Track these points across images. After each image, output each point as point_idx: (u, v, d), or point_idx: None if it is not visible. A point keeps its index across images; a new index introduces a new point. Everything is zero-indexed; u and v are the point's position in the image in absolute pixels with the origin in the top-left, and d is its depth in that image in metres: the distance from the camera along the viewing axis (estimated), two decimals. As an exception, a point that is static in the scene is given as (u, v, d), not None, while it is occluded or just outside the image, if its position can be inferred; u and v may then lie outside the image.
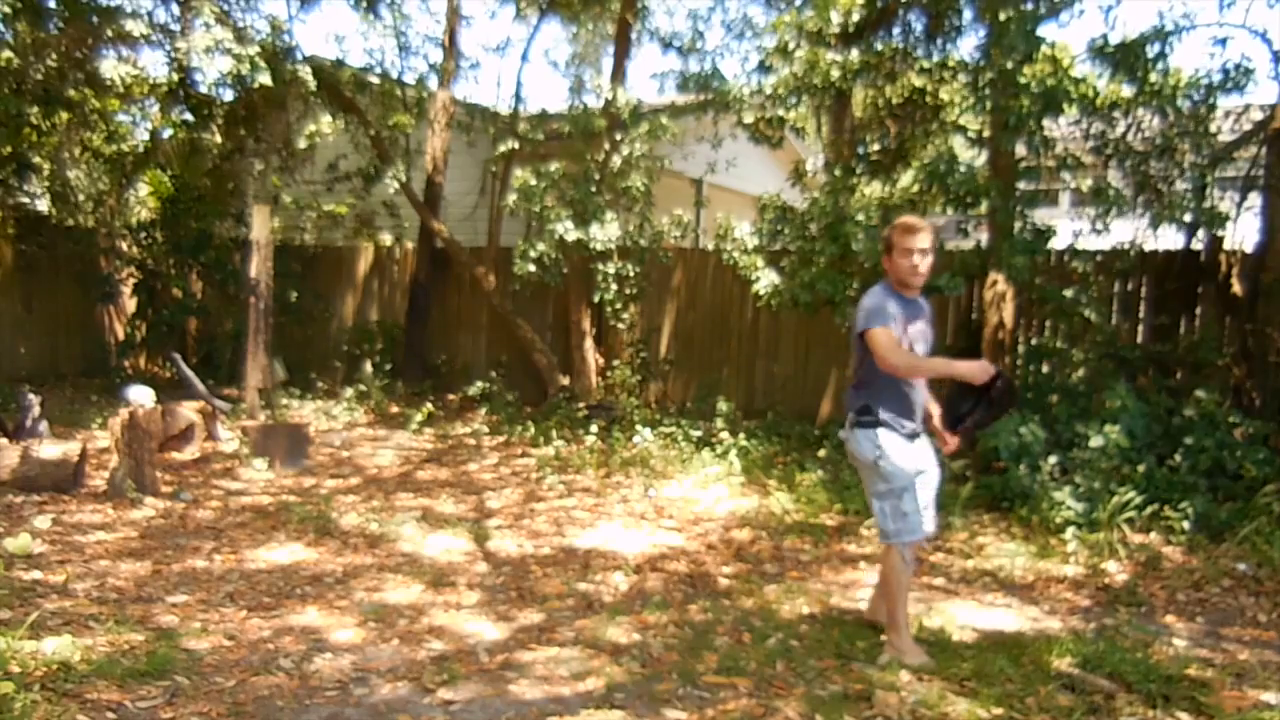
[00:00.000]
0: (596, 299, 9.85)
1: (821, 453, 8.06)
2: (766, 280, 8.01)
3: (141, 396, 7.13)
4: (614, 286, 9.67)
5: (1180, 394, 6.80)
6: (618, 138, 9.50)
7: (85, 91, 10.23)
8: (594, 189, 9.46)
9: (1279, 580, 5.10)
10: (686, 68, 10.32)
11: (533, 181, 9.40)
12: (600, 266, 9.63)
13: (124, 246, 11.69)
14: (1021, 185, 7.77)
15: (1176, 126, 7.43)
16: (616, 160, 9.49)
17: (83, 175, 12.00)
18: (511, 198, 9.67)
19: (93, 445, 7.23)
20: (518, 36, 19.75)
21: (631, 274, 9.70)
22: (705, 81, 9.63)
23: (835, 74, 7.91)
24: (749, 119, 9.22)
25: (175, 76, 10.32)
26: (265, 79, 9.11)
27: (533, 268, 9.47)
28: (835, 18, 7.84)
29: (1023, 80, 6.96)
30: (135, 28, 9.39)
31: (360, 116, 11.04)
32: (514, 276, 9.69)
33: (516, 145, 10.13)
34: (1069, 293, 7.43)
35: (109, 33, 9.46)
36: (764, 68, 8.57)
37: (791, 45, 8.12)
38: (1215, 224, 7.15)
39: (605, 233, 9.34)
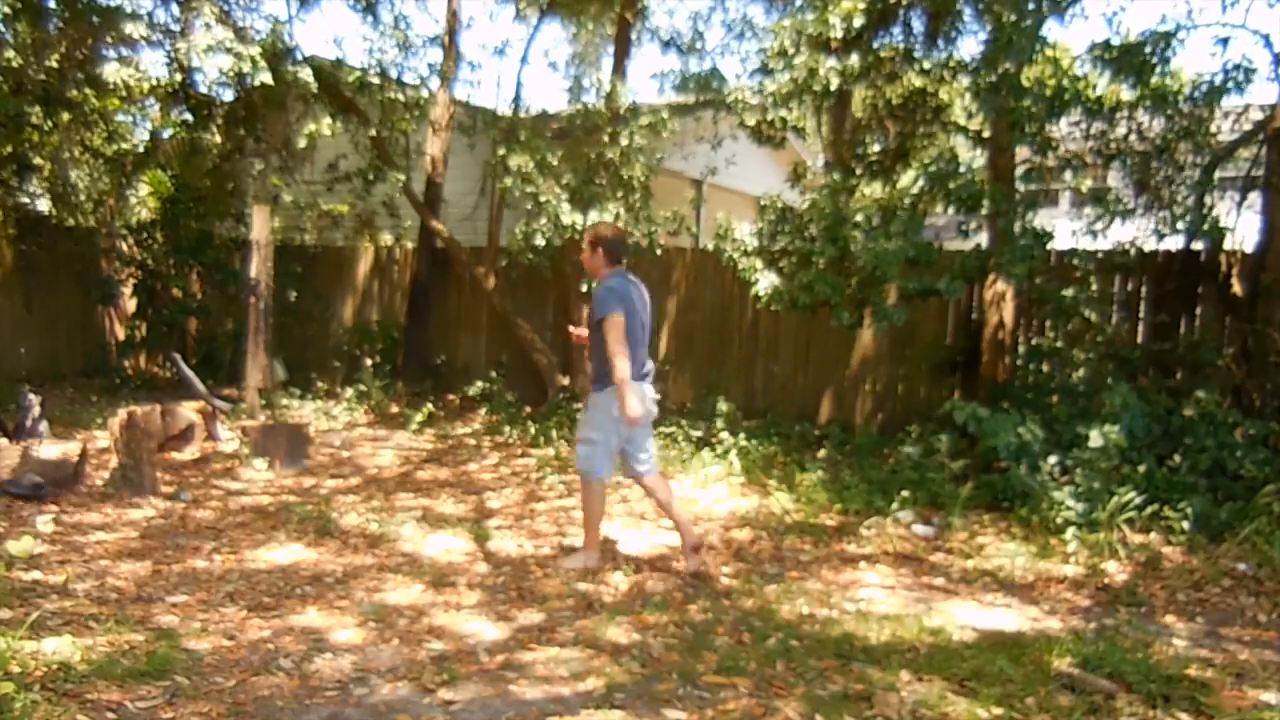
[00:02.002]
0: (587, 289, 9.84)
1: (821, 453, 8.07)
2: (766, 282, 8.01)
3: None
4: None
5: (1180, 394, 6.80)
6: (617, 130, 9.50)
7: (86, 92, 10.24)
8: (592, 178, 9.45)
9: (1279, 580, 5.10)
10: (686, 68, 10.32)
11: (530, 166, 9.38)
12: None
13: (124, 246, 11.70)
14: (1021, 188, 7.77)
15: (1177, 127, 7.43)
16: (615, 152, 9.48)
17: (83, 175, 12.00)
18: (508, 180, 9.64)
19: (93, 445, 7.23)
20: (518, 37, 19.76)
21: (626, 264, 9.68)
22: (705, 81, 9.62)
23: (835, 80, 7.91)
24: (750, 120, 9.22)
25: (177, 78, 10.32)
26: (266, 78, 9.11)
27: (522, 244, 9.46)
28: (836, 22, 7.83)
29: (1025, 83, 6.96)
30: (135, 30, 9.39)
31: (360, 117, 11.04)
32: (504, 252, 9.63)
33: (518, 140, 10.14)
34: (1069, 292, 7.44)
35: (110, 36, 9.46)
36: (765, 70, 8.57)
37: (791, 50, 8.11)
38: (1214, 233, 7.14)
39: (603, 218, 9.34)
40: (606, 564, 5.18)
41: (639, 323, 4.99)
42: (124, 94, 10.55)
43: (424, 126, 11.40)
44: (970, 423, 6.40)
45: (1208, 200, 7.36)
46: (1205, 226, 7.10)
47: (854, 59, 7.90)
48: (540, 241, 9.48)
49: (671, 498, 5.24)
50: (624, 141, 9.46)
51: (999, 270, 7.32)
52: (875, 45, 8.18)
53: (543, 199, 9.28)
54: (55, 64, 9.78)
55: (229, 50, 8.93)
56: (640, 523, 6.30)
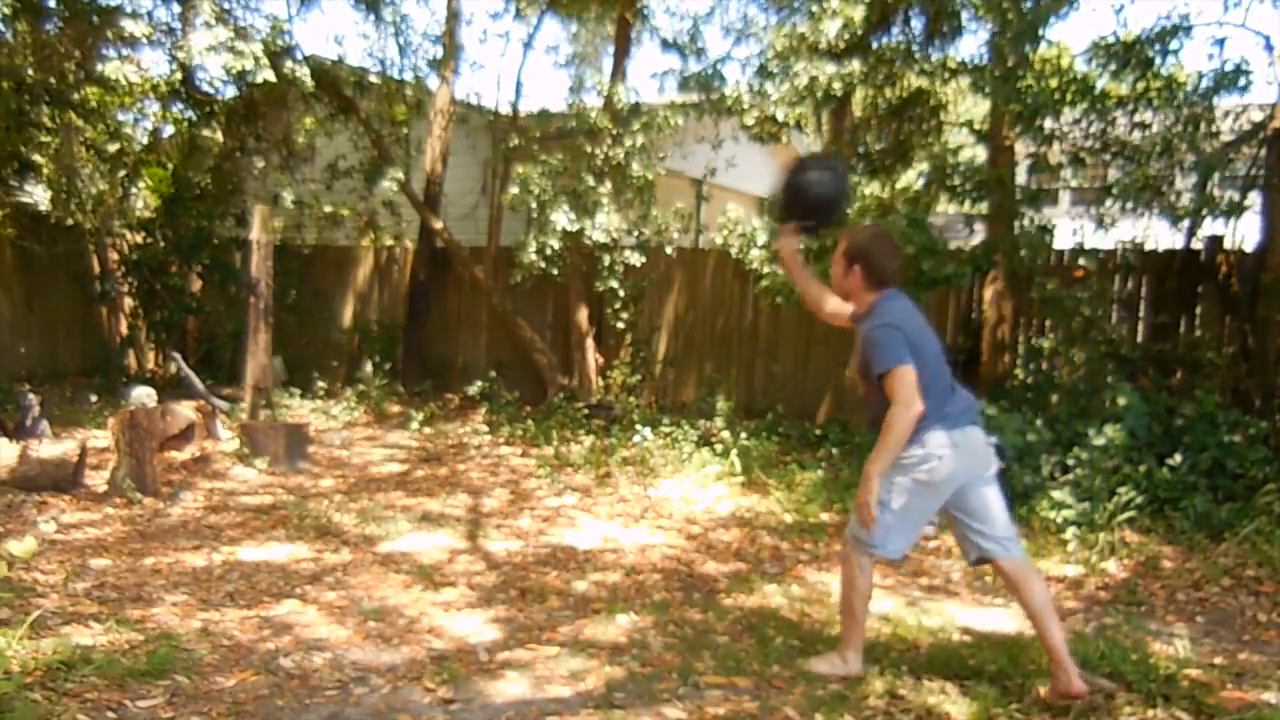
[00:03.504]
0: (599, 289, 9.84)
1: (821, 452, 8.06)
2: (772, 273, 8.00)
3: (143, 397, 7.14)
4: (615, 279, 9.66)
5: (1180, 394, 6.80)
6: (617, 132, 9.51)
7: (87, 91, 10.23)
8: (594, 182, 9.46)
9: (1279, 580, 5.10)
10: (686, 68, 10.31)
11: (533, 173, 9.39)
12: (603, 257, 9.62)
13: (124, 245, 11.70)
14: (1022, 182, 7.77)
15: (1177, 126, 7.43)
16: (619, 153, 9.49)
17: (83, 173, 12.00)
18: (512, 190, 9.66)
19: (92, 445, 7.22)
20: (518, 36, 19.74)
21: (636, 263, 9.69)
22: (705, 81, 9.60)
23: (837, 85, 7.91)
24: (750, 120, 9.22)
25: (177, 76, 10.32)
26: (268, 75, 9.11)
27: (534, 257, 9.47)
28: (834, 28, 7.83)
29: (1028, 78, 6.97)
30: (136, 29, 9.39)
31: (360, 116, 11.03)
32: (518, 267, 9.66)
33: (517, 142, 10.13)
34: (1079, 293, 7.42)
35: (109, 34, 9.45)
36: (765, 73, 8.56)
37: (791, 55, 8.11)
38: (1232, 213, 7.07)
39: (608, 221, 9.34)
40: (868, 669, 3.73)
41: (933, 351, 3.62)
42: (125, 92, 10.54)
43: (424, 125, 11.40)
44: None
45: (1210, 188, 7.30)
46: (1212, 208, 7.03)
47: (855, 64, 7.90)
48: (549, 252, 9.49)
49: (1048, 602, 3.58)
50: (626, 142, 9.47)
51: (1003, 260, 7.31)
52: (875, 46, 8.19)
53: (548, 211, 9.30)
54: (56, 63, 9.77)
55: (230, 49, 8.93)
56: (638, 522, 6.30)
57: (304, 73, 9.71)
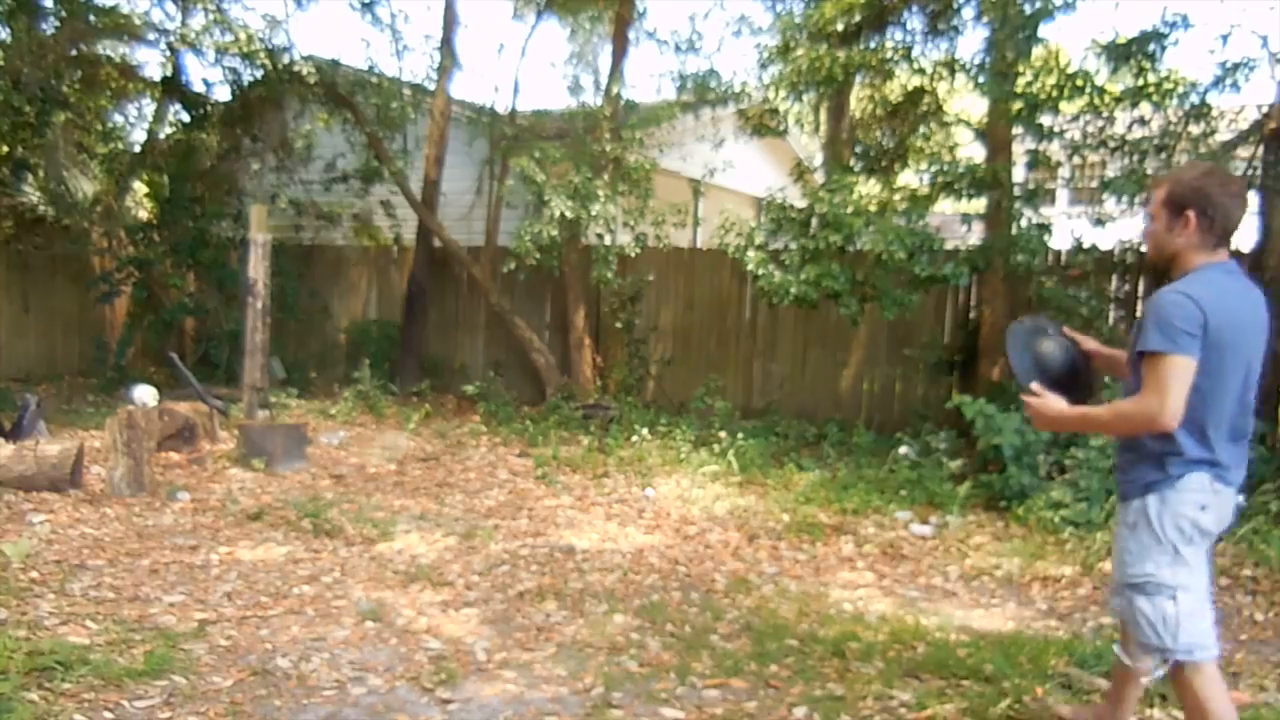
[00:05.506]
0: (595, 283, 9.82)
1: (819, 452, 8.07)
2: (768, 275, 8.01)
3: (145, 396, 7.12)
4: (610, 268, 9.64)
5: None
6: (614, 125, 9.50)
7: (80, 90, 10.22)
8: (591, 175, 9.45)
9: (1276, 580, 5.10)
10: (684, 68, 10.32)
11: (530, 164, 9.37)
12: (600, 246, 9.59)
13: (121, 246, 11.67)
14: (1021, 178, 7.78)
15: (1175, 127, 7.43)
16: (616, 147, 9.47)
17: (80, 175, 11.98)
18: (509, 182, 9.62)
19: (90, 444, 7.21)
20: (516, 35, 19.75)
21: (632, 255, 9.66)
22: (703, 81, 9.59)
23: (838, 69, 7.91)
24: (751, 111, 9.21)
25: (170, 74, 10.30)
26: (265, 65, 9.12)
27: (529, 245, 9.44)
28: (834, 15, 7.84)
29: (1025, 75, 6.99)
30: (133, 29, 9.40)
31: (357, 116, 11.02)
32: (511, 255, 9.60)
33: (514, 137, 10.11)
34: (1070, 291, 7.43)
35: (104, 22, 9.43)
36: (765, 65, 8.56)
37: (793, 44, 8.12)
38: None
39: (605, 211, 9.32)
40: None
41: (1238, 364, 2.67)
42: (120, 90, 10.52)
43: (421, 125, 11.40)
44: (979, 419, 6.39)
45: None
46: None
47: (854, 51, 7.91)
48: (546, 240, 9.45)
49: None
50: (623, 134, 9.45)
51: (1002, 260, 7.31)
52: (874, 45, 8.20)
53: (545, 196, 9.27)
54: (52, 62, 9.75)
55: (225, 49, 8.94)
56: (636, 522, 6.30)
57: (308, 70, 9.69)
